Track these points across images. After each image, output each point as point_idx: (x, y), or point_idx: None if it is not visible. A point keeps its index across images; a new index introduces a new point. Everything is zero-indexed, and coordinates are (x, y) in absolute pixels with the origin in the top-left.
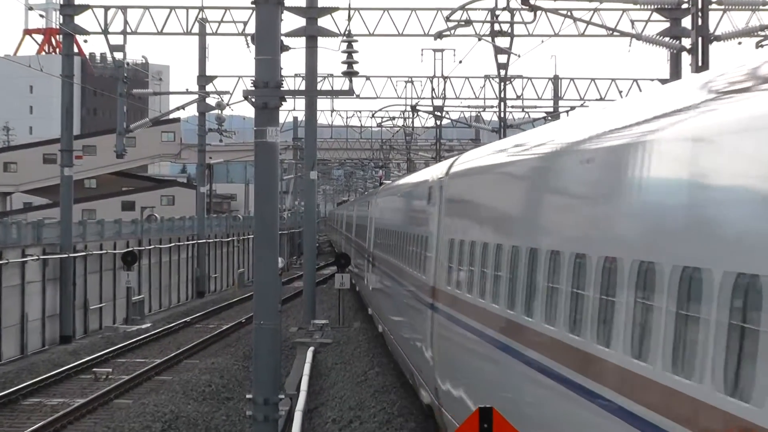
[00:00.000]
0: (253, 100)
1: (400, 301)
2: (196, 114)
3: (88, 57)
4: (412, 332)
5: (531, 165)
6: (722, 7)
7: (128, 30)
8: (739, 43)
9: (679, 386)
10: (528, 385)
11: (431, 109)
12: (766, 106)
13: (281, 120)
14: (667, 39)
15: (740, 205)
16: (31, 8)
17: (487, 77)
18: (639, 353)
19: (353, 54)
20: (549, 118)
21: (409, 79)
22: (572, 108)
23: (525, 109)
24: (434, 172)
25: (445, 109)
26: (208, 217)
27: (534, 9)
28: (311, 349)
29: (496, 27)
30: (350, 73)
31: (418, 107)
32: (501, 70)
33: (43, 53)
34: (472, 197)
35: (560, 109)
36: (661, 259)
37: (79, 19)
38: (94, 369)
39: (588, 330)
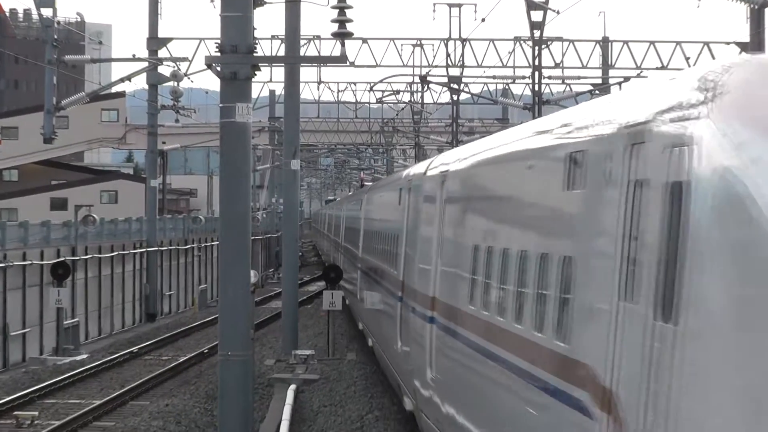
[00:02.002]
0: (219, 68)
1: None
2: (146, 87)
3: (8, 14)
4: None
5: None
6: None
7: None
8: None
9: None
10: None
11: (446, 80)
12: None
13: (254, 94)
14: None
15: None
16: None
17: (517, 40)
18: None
19: (346, 10)
20: (597, 92)
21: (418, 42)
22: (626, 79)
23: (566, 81)
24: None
25: (464, 80)
26: (160, 218)
27: None
28: (292, 387)
29: None
30: (342, 35)
31: (429, 78)
32: (535, 31)
33: None
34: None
35: (611, 81)
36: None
37: None
38: (16, 413)
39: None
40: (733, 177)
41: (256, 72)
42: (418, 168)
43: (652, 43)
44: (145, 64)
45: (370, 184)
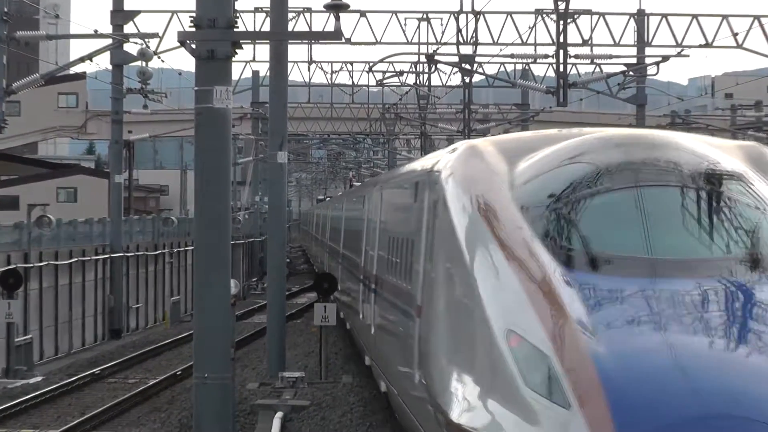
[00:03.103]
0: (194, 46)
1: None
2: (109, 67)
3: None
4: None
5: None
6: None
7: None
8: None
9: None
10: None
11: (456, 60)
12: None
13: (235, 76)
14: None
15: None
16: None
17: (539, 12)
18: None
19: None
20: (630, 73)
21: (424, 16)
22: (664, 58)
23: (595, 60)
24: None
25: (477, 60)
26: (126, 219)
27: None
28: (279, 415)
29: None
30: (337, 6)
31: (437, 57)
32: (559, 3)
33: None
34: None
35: (647, 60)
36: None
37: None
38: None
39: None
40: (454, 197)
41: (237, 50)
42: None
43: (694, 17)
44: (109, 41)
45: (359, 185)
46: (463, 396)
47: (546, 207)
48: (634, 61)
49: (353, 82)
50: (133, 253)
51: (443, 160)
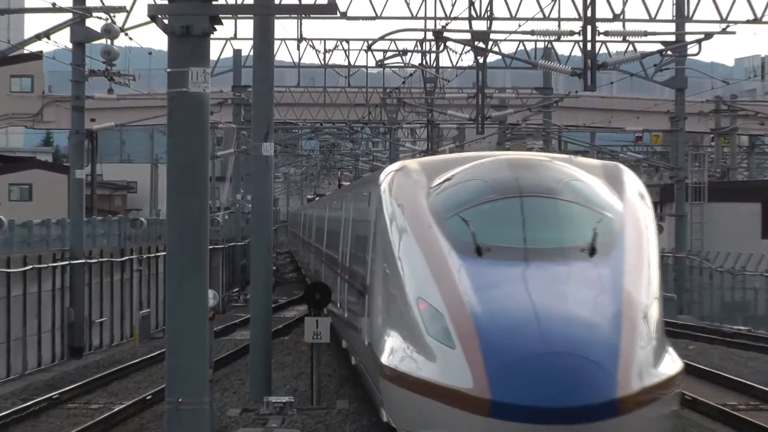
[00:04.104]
0: (166, 21)
1: None
2: (70, 46)
3: None
4: None
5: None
6: None
7: None
8: None
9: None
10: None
11: (468, 37)
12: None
13: (214, 56)
14: None
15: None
16: None
17: None
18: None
19: None
20: (668, 53)
21: None
22: (707, 35)
23: (628, 38)
24: None
25: (493, 37)
26: (89, 220)
27: None
28: None
29: None
30: None
31: (446, 34)
32: None
33: None
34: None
35: (687, 38)
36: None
37: None
38: None
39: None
40: (388, 203)
41: (216, 26)
42: None
43: None
44: (69, 15)
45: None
46: (390, 345)
47: (450, 212)
48: (672, 38)
49: (349, 62)
50: (96, 260)
51: (384, 174)
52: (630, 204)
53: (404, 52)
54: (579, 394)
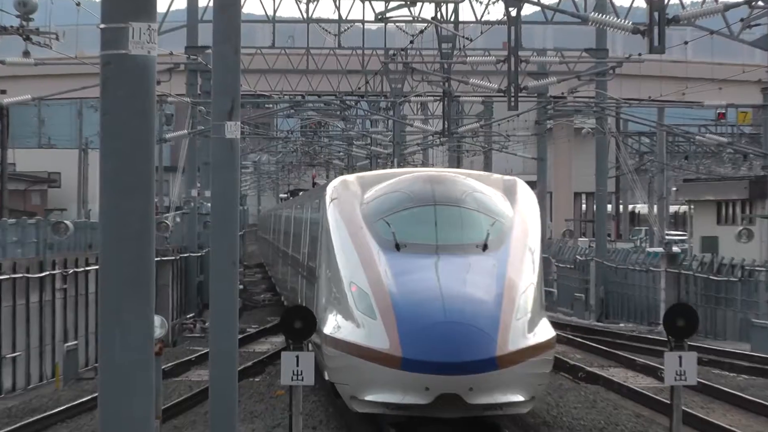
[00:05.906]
0: None
1: None
2: None
3: None
4: None
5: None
6: None
7: None
8: None
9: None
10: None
11: None
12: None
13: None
14: None
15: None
16: None
17: None
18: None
19: None
20: (760, 3)
21: None
22: None
23: None
24: None
25: None
26: None
27: None
28: None
29: None
30: None
31: None
32: None
33: None
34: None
35: None
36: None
37: None
38: None
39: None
40: (332, 207)
41: None
42: None
43: None
44: None
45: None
46: (330, 320)
47: (377, 216)
48: None
49: (340, 15)
50: (6, 276)
51: (330, 185)
52: (519, 211)
53: (413, 2)
54: (467, 352)
